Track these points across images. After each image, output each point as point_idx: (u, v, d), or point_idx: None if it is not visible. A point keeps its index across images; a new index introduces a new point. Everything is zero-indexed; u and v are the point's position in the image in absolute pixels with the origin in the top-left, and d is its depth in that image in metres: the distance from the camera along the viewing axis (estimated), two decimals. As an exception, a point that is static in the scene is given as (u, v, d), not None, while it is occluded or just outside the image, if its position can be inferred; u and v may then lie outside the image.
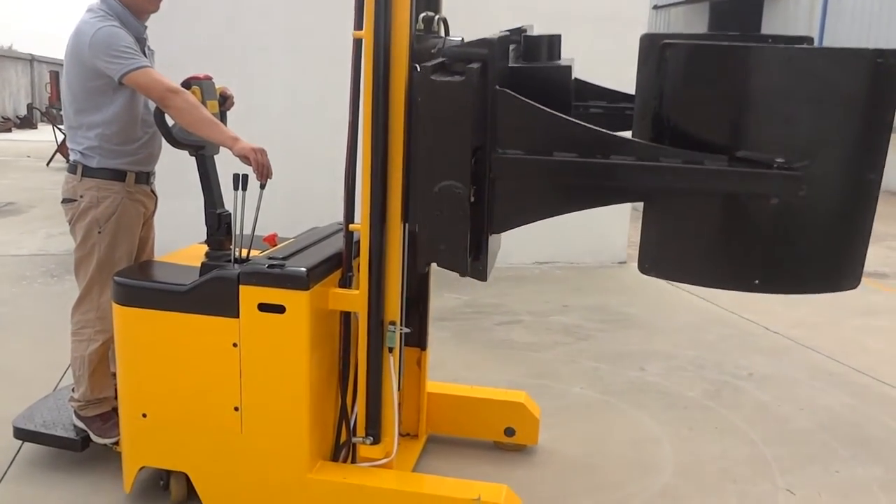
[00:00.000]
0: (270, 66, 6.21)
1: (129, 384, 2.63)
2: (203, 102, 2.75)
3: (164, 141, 2.83)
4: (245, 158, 2.56)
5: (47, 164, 12.80)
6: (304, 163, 5.78)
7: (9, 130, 21.15)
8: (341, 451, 2.75)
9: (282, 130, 5.84)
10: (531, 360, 4.35)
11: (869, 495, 3.04)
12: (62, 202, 2.81)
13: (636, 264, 2.21)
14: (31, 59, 26.86)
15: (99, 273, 2.80)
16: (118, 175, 2.78)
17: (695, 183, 2.00)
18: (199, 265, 2.63)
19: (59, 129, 12.58)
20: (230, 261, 2.61)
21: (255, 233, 2.68)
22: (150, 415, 2.59)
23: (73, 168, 2.78)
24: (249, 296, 2.45)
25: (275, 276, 2.44)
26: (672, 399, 3.87)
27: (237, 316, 2.47)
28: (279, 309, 2.44)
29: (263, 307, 2.44)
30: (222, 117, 2.89)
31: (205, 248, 2.81)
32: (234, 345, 2.49)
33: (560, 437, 3.34)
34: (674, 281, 2.20)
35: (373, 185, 2.41)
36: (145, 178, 2.90)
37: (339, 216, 2.60)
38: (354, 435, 2.68)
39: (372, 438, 2.61)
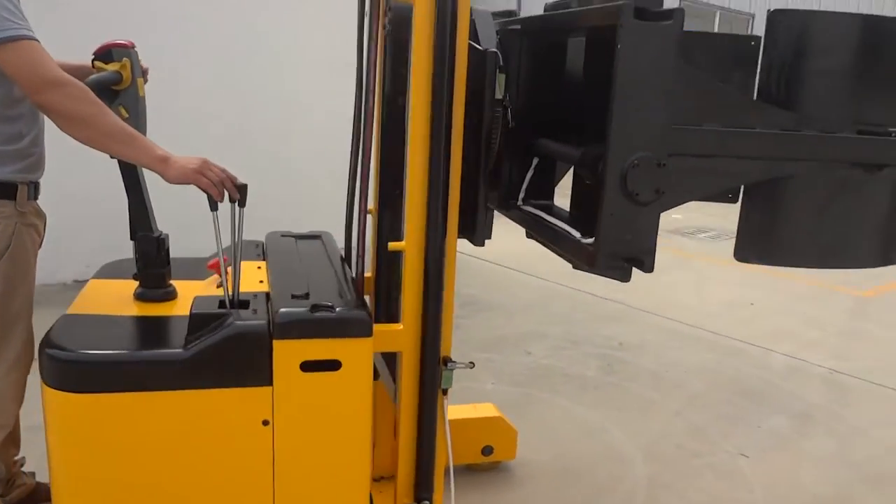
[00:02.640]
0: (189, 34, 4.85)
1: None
2: (133, 80, 1.94)
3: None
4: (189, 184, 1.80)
5: None
6: (243, 158, 4.58)
7: None
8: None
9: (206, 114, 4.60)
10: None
11: (797, 443, 3.31)
12: None
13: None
14: None
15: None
16: (5, 190, 1.84)
17: (832, 153, 1.88)
18: (147, 314, 1.89)
19: None
20: (224, 304, 1.88)
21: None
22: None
23: None
24: (287, 353, 1.78)
25: (326, 322, 1.80)
26: (579, 381, 3.83)
27: (269, 383, 1.79)
28: (333, 366, 1.82)
29: (309, 366, 1.80)
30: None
31: (129, 285, 2.03)
32: (265, 423, 1.80)
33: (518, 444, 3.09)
34: (785, 266, 2.07)
35: (431, 193, 1.90)
36: (35, 190, 1.97)
37: (297, 224, 2.01)
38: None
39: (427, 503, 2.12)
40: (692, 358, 4.23)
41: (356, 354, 1.83)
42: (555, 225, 2.02)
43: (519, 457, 2.97)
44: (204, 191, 1.80)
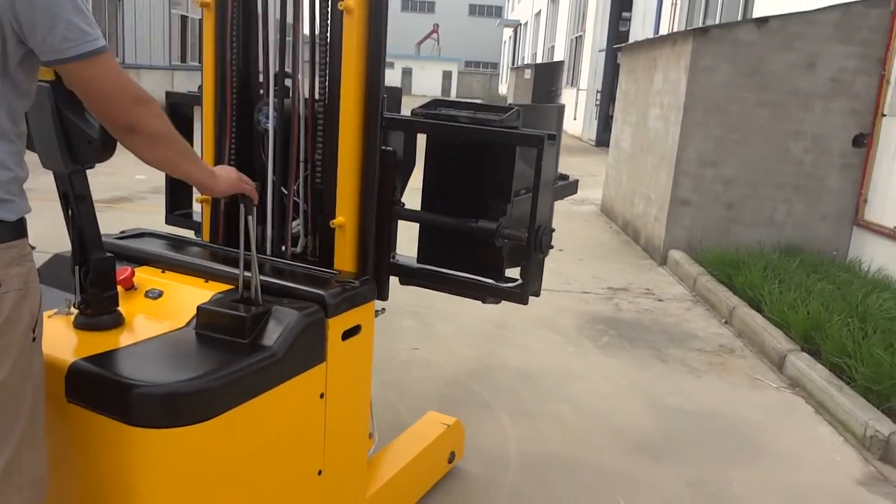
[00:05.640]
0: None
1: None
2: None
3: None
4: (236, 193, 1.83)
5: None
6: None
7: None
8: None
9: None
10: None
11: (703, 359, 4.35)
12: None
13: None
14: None
15: (31, 425, 1.48)
16: (24, 228, 1.47)
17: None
18: (142, 337, 1.78)
19: None
20: (243, 302, 1.88)
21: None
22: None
23: None
24: (336, 328, 1.96)
25: (356, 294, 2.02)
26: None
27: (324, 359, 1.93)
28: (356, 331, 2.05)
29: (346, 335, 2.00)
30: None
31: (60, 318, 1.82)
32: (321, 396, 1.95)
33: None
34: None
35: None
36: None
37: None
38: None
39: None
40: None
41: (367, 316, 2.11)
42: (467, 278, 2.39)
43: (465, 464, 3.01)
44: (246, 196, 1.79)
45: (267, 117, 2.25)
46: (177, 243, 2.33)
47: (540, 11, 29.17)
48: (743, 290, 5.18)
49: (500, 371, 4.01)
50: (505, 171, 2.32)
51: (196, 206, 2.62)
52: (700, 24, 10.71)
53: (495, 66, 51.94)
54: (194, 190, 2.37)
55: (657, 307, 5.37)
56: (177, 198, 2.74)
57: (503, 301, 2.41)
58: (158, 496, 1.60)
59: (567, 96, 20.99)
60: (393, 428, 2.88)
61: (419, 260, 2.50)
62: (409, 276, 2.50)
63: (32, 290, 1.45)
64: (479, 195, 2.37)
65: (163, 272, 2.12)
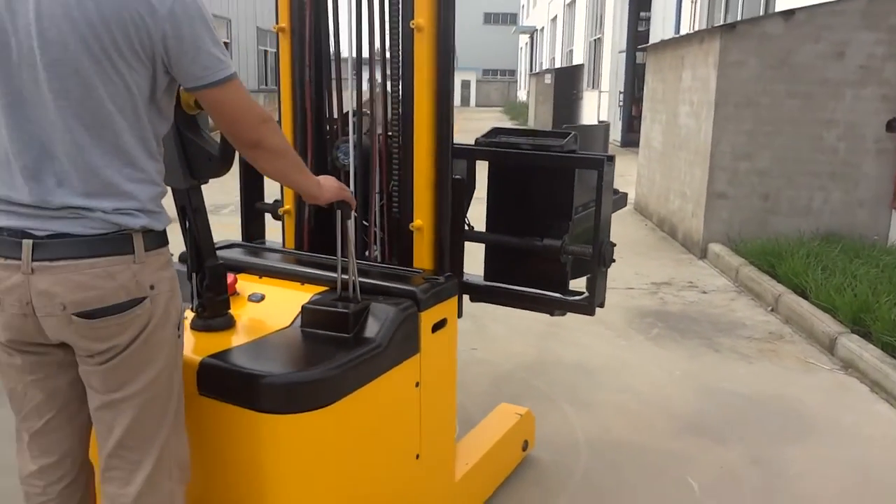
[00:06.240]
0: None
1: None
2: None
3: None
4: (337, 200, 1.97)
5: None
6: None
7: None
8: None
9: None
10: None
11: (754, 346, 4.53)
12: (101, 316, 1.48)
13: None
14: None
15: (177, 412, 1.66)
16: (167, 236, 1.65)
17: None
18: (249, 338, 1.95)
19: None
20: (342, 300, 2.04)
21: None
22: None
23: (120, 243, 1.49)
24: (427, 322, 2.12)
25: (443, 290, 2.18)
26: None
27: (418, 350, 2.09)
28: (443, 324, 2.21)
29: (435, 328, 2.16)
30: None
31: None
32: (417, 384, 2.10)
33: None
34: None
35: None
36: None
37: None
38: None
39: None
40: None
41: (452, 310, 2.27)
42: (536, 293, 2.57)
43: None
44: (346, 203, 1.96)
45: (345, 154, 2.40)
46: (267, 252, 2.51)
47: (556, 16, 29.32)
48: (787, 278, 5.26)
49: (556, 366, 4.14)
50: (566, 191, 2.49)
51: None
52: (722, 20, 10.80)
53: (513, 73, 52.16)
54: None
55: (702, 299, 5.46)
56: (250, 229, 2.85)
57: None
58: (284, 477, 1.77)
59: (589, 99, 21.09)
60: (463, 422, 3.02)
61: (486, 278, 2.67)
62: (480, 294, 2.65)
63: (176, 292, 1.63)
64: (542, 214, 2.54)
65: (259, 278, 2.30)
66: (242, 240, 2.91)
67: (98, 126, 1.45)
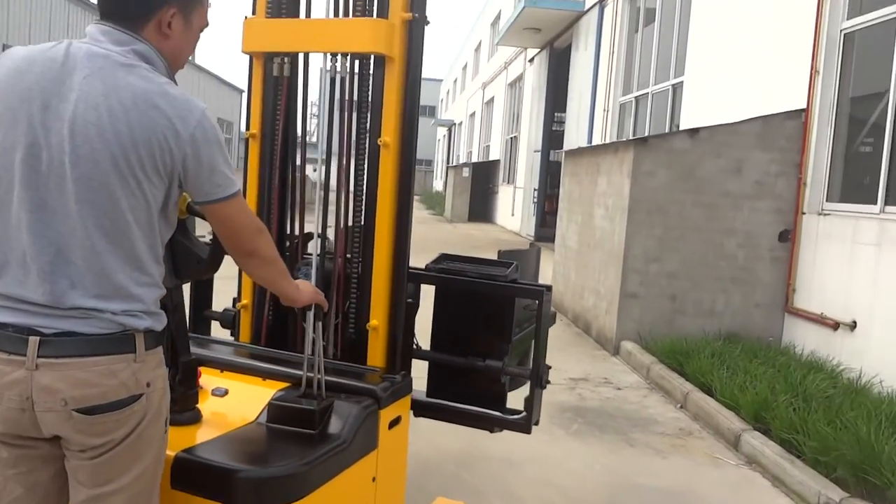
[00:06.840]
0: None
1: None
2: None
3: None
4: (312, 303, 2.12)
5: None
6: None
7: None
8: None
9: None
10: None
11: (666, 442, 4.62)
12: (101, 412, 1.57)
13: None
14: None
15: (157, 505, 1.73)
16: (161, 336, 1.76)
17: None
18: (215, 434, 2.04)
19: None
20: (306, 397, 2.16)
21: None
22: None
23: (124, 342, 1.59)
24: (386, 418, 2.26)
25: (399, 388, 2.33)
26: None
27: (376, 446, 2.22)
28: (398, 421, 2.35)
29: (392, 424, 2.30)
30: None
31: None
32: (374, 479, 2.22)
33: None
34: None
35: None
36: None
37: None
38: None
39: None
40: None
41: (405, 408, 2.42)
42: (477, 411, 2.78)
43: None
44: (318, 306, 2.11)
45: (305, 275, 2.52)
46: (226, 346, 2.61)
47: (475, 112, 30.60)
48: (694, 376, 5.63)
49: (484, 460, 4.28)
50: (507, 316, 2.74)
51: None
52: (631, 132, 11.65)
53: (430, 162, 53.46)
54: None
55: (617, 395, 5.75)
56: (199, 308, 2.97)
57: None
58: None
59: (504, 193, 21.93)
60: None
61: (428, 394, 2.85)
62: (422, 409, 2.81)
63: (167, 389, 1.73)
64: (483, 336, 2.78)
65: (221, 372, 2.39)
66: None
67: (116, 234, 1.58)
